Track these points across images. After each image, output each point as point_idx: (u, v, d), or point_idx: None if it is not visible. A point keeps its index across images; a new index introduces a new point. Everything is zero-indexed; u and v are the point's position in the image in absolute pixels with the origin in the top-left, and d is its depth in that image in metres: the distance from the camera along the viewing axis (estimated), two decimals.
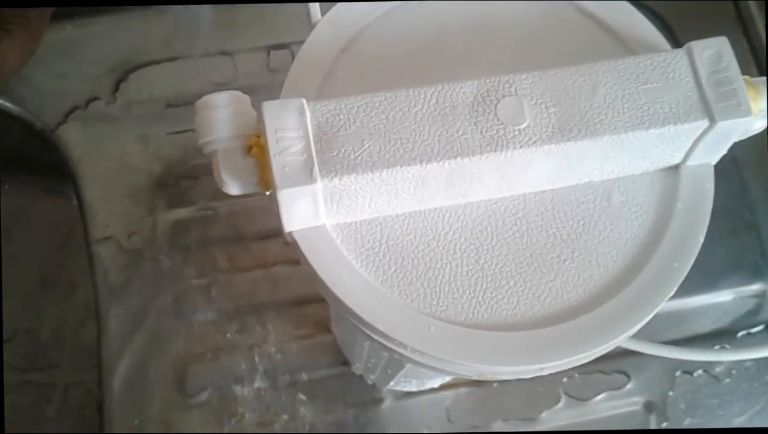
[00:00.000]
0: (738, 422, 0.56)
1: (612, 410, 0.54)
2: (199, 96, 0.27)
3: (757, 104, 0.30)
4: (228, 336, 0.53)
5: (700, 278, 0.58)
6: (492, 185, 0.29)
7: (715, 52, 0.29)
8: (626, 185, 0.30)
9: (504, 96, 0.28)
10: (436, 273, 0.29)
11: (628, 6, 0.33)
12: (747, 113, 0.28)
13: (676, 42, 0.58)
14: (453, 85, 0.28)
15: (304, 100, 0.27)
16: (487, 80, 0.28)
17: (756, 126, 0.31)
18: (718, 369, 0.56)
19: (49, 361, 0.59)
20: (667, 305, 0.52)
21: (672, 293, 0.29)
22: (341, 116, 0.27)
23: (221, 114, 0.27)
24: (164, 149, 0.56)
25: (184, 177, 0.56)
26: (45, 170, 0.60)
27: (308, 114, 0.27)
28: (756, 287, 0.59)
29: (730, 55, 0.29)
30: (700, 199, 0.30)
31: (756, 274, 0.58)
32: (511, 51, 0.32)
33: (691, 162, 0.30)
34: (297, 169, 0.26)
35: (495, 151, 0.27)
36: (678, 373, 0.56)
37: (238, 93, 0.28)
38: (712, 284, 0.58)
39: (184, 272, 0.53)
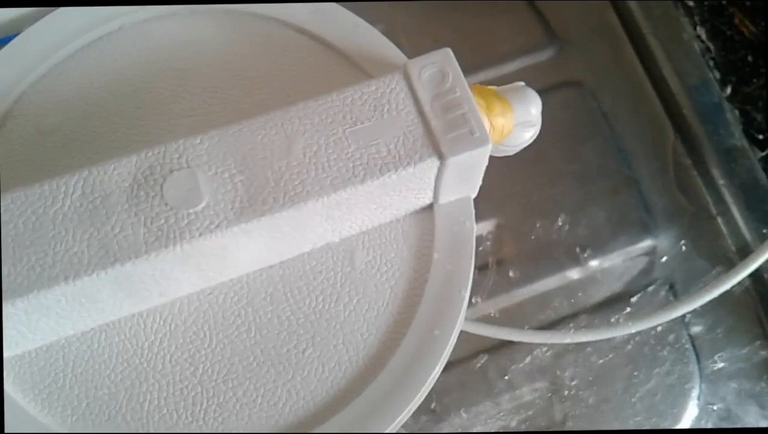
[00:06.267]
0: (646, 388, 0.53)
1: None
2: None
3: (510, 118, 0.25)
4: None
5: (588, 245, 0.54)
6: (191, 280, 0.23)
7: (437, 69, 0.23)
8: (372, 240, 0.25)
9: (172, 171, 0.22)
10: (141, 399, 0.23)
11: (353, 18, 0.27)
12: (483, 141, 0.22)
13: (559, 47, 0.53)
14: (103, 167, 0.21)
15: None
16: (149, 153, 0.22)
17: (526, 137, 0.26)
18: (618, 339, 0.52)
19: None
20: (553, 279, 0.46)
21: (439, 369, 0.24)
22: None
23: None
24: None
25: None
26: None
27: None
28: (645, 244, 0.55)
29: (456, 70, 0.23)
30: (459, 244, 0.25)
31: (643, 231, 0.55)
32: (216, 99, 0.26)
33: (444, 199, 0.25)
34: None
35: (166, 247, 0.21)
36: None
37: None
38: (599, 249, 0.54)
39: None
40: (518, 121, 0.25)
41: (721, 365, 0.46)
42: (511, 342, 0.42)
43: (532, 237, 0.45)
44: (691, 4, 0.49)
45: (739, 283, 0.40)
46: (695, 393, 0.45)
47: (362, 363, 0.24)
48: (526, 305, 0.46)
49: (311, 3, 0.27)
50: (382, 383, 0.23)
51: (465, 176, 0.24)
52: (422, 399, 0.24)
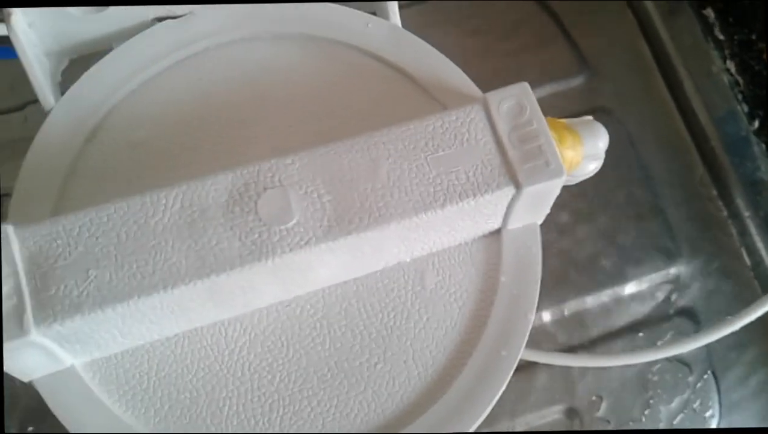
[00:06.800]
0: (666, 414, 0.54)
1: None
2: None
3: (579, 151, 0.26)
4: None
5: (612, 271, 0.55)
6: (274, 292, 0.24)
7: (515, 102, 0.24)
8: (442, 261, 0.26)
9: (266, 189, 0.23)
10: (221, 404, 0.24)
11: (427, 47, 0.28)
12: (558, 172, 0.24)
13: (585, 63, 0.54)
14: (201, 182, 0.23)
15: (11, 228, 0.22)
16: (245, 171, 0.23)
17: (590, 169, 0.28)
18: (639, 365, 0.53)
19: None
20: (575, 303, 0.47)
21: (503, 388, 0.25)
22: (59, 242, 0.22)
23: None
24: None
25: None
26: None
27: (16, 245, 0.21)
28: (668, 272, 0.56)
29: (533, 103, 0.24)
30: (525, 269, 0.26)
31: (667, 259, 0.56)
32: (296, 120, 0.27)
33: (512, 225, 0.26)
34: (5, 319, 0.21)
35: (259, 260, 0.22)
36: None
37: None
38: (623, 276, 0.55)
39: None
40: (586, 154, 0.26)
41: (741, 394, 0.47)
42: (531, 363, 0.43)
43: (555, 260, 0.46)
44: (721, 37, 0.49)
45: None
46: (715, 421, 0.46)
47: (431, 379, 0.25)
48: (547, 328, 0.46)
49: (380, 31, 0.28)
50: (449, 399, 0.24)
51: (536, 204, 0.25)
52: (485, 416, 0.25)
